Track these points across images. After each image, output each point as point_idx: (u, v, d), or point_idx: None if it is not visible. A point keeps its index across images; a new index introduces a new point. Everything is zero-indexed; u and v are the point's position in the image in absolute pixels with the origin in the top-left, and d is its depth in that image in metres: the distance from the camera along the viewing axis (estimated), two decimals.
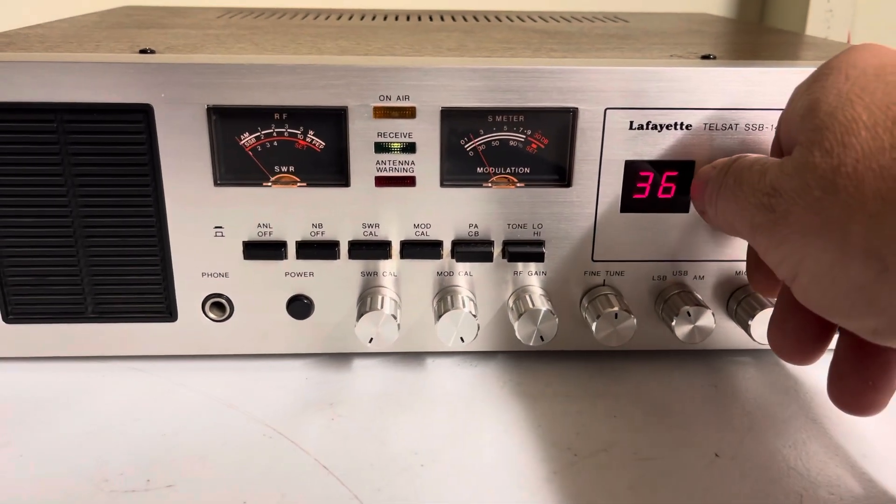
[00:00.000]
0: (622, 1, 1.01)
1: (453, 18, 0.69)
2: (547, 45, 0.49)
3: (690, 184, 0.40)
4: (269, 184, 0.41)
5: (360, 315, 0.41)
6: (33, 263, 0.41)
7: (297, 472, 0.36)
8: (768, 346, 0.36)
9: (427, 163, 0.41)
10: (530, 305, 0.41)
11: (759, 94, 0.40)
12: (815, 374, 0.44)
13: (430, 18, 0.69)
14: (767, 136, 0.41)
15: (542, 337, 0.42)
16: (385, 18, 0.68)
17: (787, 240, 0.29)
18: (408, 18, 0.68)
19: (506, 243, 0.42)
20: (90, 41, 0.47)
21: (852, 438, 0.39)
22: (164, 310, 0.43)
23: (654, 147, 0.41)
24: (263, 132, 0.40)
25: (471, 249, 0.42)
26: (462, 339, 0.42)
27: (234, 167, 0.40)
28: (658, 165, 0.41)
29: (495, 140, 0.41)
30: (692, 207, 0.42)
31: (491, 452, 0.37)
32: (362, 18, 0.67)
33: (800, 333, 0.34)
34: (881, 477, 0.36)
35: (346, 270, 0.43)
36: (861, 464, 0.37)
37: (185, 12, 0.70)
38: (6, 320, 0.43)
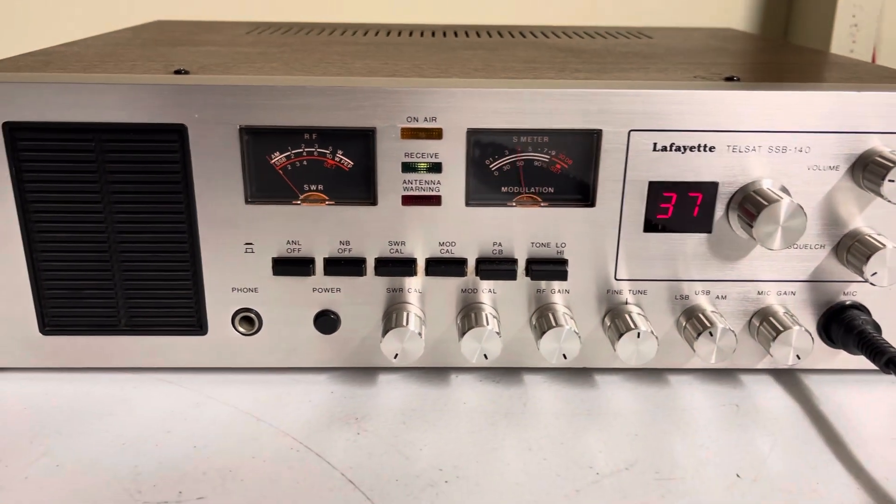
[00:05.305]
0: (644, 8, 1.01)
1: (478, 34, 0.70)
2: (571, 65, 0.49)
3: (708, 206, 0.41)
4: (299, 202, 0.42)
5: (385, 331, 0.42)
6: (69, 277, 0.43)
7: (324, 486, 0.36)
8: (790, 366, 0.36)
9: (453, 182, 0.41)
10: (553, 323, 0.42)
11: (781, 118, 0.40)
12: (838, 395, 0.44)
13: (455, 34, 0.70)
14: (790, 158, 0.41)
15: (564, 355, 0.42)
16: (410, 34, 0.69)
17: None
18: (433, 34, 0.69)
19: (529, 262, 0.43)
20: (126, 60, 0.48)
21: (875, 461, 0.39)
22: (195, 323, 0.44)
23: (678, 168, 0.41)
24: (293, 152, 0.41)
25: (495, 268, 0.43)
26: (486, 355, 0.42)
27: (264, 186, 0.41)
28: (681, 186, 0.42)
29: (520, 160, 0.41)
30: (715, 227, 0.42)
31: (513, 469, 0.38)
32: (388, 34, 0.68)
33: None
34: None
35: (373, 287, 0.43)
36: (884, 487, 0.37)
37: (215, 28, 0.71)
38: (42, 332, 0.44)
